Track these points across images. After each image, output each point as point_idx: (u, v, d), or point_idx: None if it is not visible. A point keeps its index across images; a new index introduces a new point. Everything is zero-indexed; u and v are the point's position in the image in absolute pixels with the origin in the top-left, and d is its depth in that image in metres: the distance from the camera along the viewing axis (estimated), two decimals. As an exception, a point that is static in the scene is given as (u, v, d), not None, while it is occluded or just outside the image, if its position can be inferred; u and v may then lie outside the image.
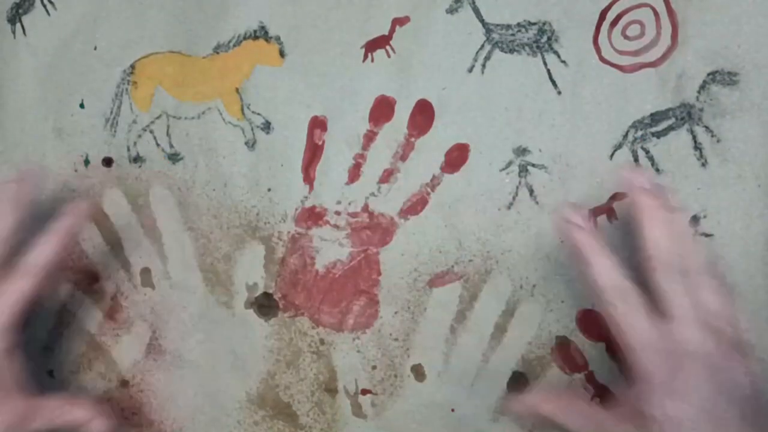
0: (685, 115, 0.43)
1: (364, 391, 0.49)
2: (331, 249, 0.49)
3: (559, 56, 0.44)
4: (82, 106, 0.52)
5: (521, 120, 0.45)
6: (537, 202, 0.45)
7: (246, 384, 0.51)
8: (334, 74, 0.48)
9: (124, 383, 0.52)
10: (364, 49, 0.48)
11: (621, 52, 0.43)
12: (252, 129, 0.49)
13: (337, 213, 0.49)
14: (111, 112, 0.52)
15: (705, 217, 0.43)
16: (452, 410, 0.48)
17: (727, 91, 0.42)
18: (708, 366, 0.35)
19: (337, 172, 0.48)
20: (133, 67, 0.51)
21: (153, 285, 0.52)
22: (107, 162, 0.52)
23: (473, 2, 0.46)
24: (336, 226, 0.49)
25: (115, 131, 0.52)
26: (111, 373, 0.52)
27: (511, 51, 0.45)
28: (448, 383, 0.48)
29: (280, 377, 0.50)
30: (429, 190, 0.47)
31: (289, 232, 0.49)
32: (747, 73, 0.42)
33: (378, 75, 0.47)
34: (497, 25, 0.45)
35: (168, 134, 0.51)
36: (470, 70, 0.46)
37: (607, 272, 0.37)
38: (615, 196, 0.44)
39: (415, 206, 0.47)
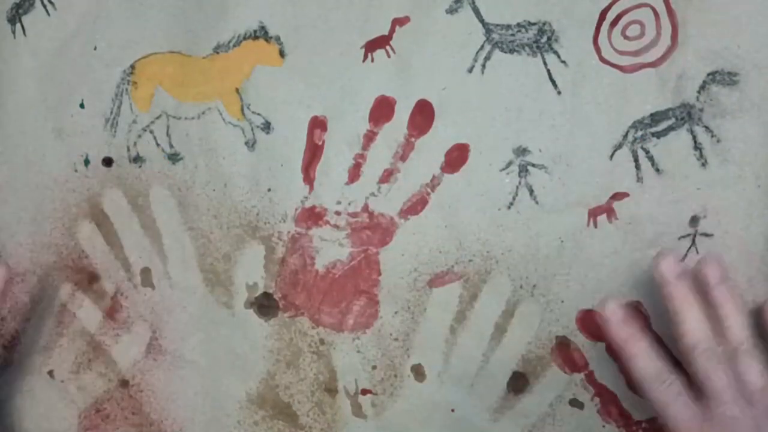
0: (685, 115, 0.43)
1: (364, 391, 0.49)
2: (331, 249, 0.49)
3: (559, 56, 0.44)
4: (82, 106, 0.52)
5: (521, 120, 0.45)
6: (537, 202, 0.45)
7: (246, 384, 0.51)
8: (334, 74, 0.48)
9: (124, 383, 0.52)
10: (364, 49, 0.48)
11: (621, 52, 0.43)
12: (252, 129, 0.49)
13: (337, 213, 0.49)
14: (111, 112, 0.52)
15: (705, 217, 0.43)
16: (452, 410, 0.48)
17: (727, 91, 0.42)
18: None
19: (337, 172, 0.48)
20: (133, 67, 0.51)
21: (153, 285, 0.52)
22: (107, 162, 0.52)
23: (473, 2, 0.46)
24: (336, 226, 0.49)
25: (115, 131, 0.52)
26: (111, 373, 0.52)
27: (511, 51, 0.45)
28: (448, 383, 0.48)
29: (280, 377, 0.50)
30: (429, 190, 0.47)
31: (289, 232, 0.49)
32: (747, 73, 0.42)
33: (378, 75, 0.47)
34: (497, 25, 0.45)
35: (168, 134, 0.51)
36: (470, 70, 0.46)
37: (649, 359, 0.39)
38: (615, 196, 0.44)
39: (415, 206, 0.47)
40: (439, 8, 0.46)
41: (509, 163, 0.46)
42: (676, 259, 0.40)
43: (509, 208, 0.46)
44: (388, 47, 0.47)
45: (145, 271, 0.52)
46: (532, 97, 0.45)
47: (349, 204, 0.48)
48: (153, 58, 0.51)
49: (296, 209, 0.49)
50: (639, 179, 0.44)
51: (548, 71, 0.45)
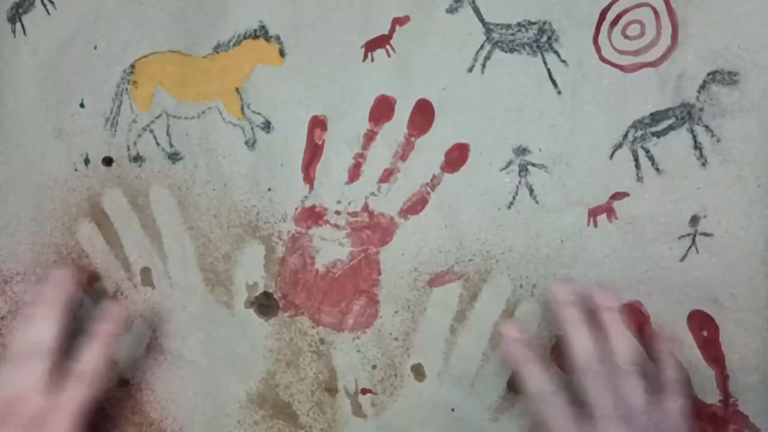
0: (685, 115, 0.43)
1: (364, 391, 0.49)
2: (331, 249, 0.49)
3: (559, 56, 0.44)
4: (82, 106, 0.52)
5: (521, 120, 0.45)
6: (537, 202, 0.45)
7: (246, 384, 0.51)
8: (334, 74, 0.48)
9: (124, 383, 0.52)
10: (364, 49, 0.48)
11: (621, 52, 0.43)
12: (252, 129, 0.49)
13: (337, 213, 0.49)
14: (111, 112, 0.52)
15: (705, 217, 0.43)
16: (452, 410, 0.48)
17: (727, 91, 0.42)
18: None
19: (337, 172, 0.48)
20: (133, 66, 0.51)
21: (153, 285, 0.52)
22: (107, 161, 0.52)
23: (473, 2, 0.46)
24: (336, 226, 0.49)
25: (115, 131, 0.52)
26: (111, 373, 0.52)
27: (511, 51, 0.45)
28: (448, 383, 0.48)
29: (280, 377, 0.50)
30: (429, 189, 0.47)
31: (289, 232, 0.49)
32: (747, 73, 0.42)
33: (378, 75, 0.47)
34: (497, 24, 0.45)
35: (168, 134, 0.51)
36: (470, 70, 0.46)
37: (536, 380, 0.41)
38: (615, 196, 0.44)
39: (415, 206, 0.47)
40: (439, 8, 0.46)
41: (509, 163, 0.46)
42: (571, 285, 0.43)
43: (509, 207, 0.46)
44: (388, 47, 0.47)
45: (145, 271, 0.52)
46: (532, 96, 0.45)
47: (349, 203, 0.48)
48: (153, 57, 0.51)
49: (296, 209, 0.49)
50: (639, 179, 0.44)
51: (548, 71, 0.45)
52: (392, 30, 0.47)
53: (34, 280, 0.53)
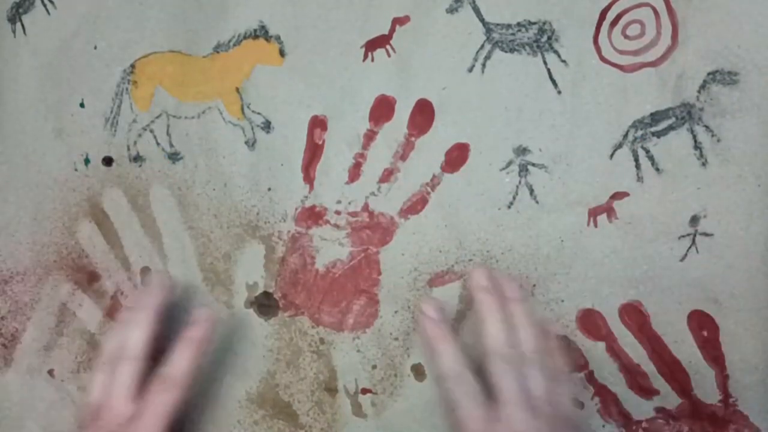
0: (685, 115, 0.43)
1: (364, 391, 0.49)
2: (331, 248, 0.49)
3: (559, 56, 0.44)
4: (82, 105, 0.52)
5: (521, 120, 0.45)
6: (537, 202, 0.45)
7: (246, 383, 0.51)
8: (334, 74, 0.48)
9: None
10: (364, 49, 0.48)
11: (621, 52, 0.43)
12: (252, 129, 0.49)
13: (337, 212, 0.49)
14: (111, 112, 0.52)
15: (705, 217, 0.43)
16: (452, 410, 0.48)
17: (727, 91, 0.42)
18: None
19: (337, 172, 0.48)
20: (133, 66, 0.51)
21: (153, 284, 0.52)
22: (107, 161, 0.52)
23: (473, 2, 0.46)
24: (336, 226, 0.49)
25: (115, 131, 0.52)
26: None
27: (511, 51, 0.45)
28: (448, 383, 0.48)
29: (280, 377, 0.50)
30: (429, 189, 0.47)
31: (289, 232, 0.49)
32: (747, 73, 0.42)
33: (378, 75, 0.47)
34: (497, 24, 0.45)
35: (168, 134, 0.51)
36: (470, 69, 0.46)
37: (448, 359, 0.41)
38: (615, 196, 0.44)
39: (415, 206, 0.47)
40: (439, 8, 0.46)
41: (509, 163, 0.46)
42: (488, 273, 0.43)
43: (509, 207, 0.46)
44: (388, 47, 0.47)
45: (145, 271, 0.52)
46: (532, 96, 0.45)
47: (349, 203, 0.48)
48: (153, 57, 0.51)
49: (296, 209, 0.49)
50: (639, 179, 0.44)
51: (548, 71, 0.45)
52: (392, 30, 0.47)
53: (35, 279, 0.53)
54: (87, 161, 0.52)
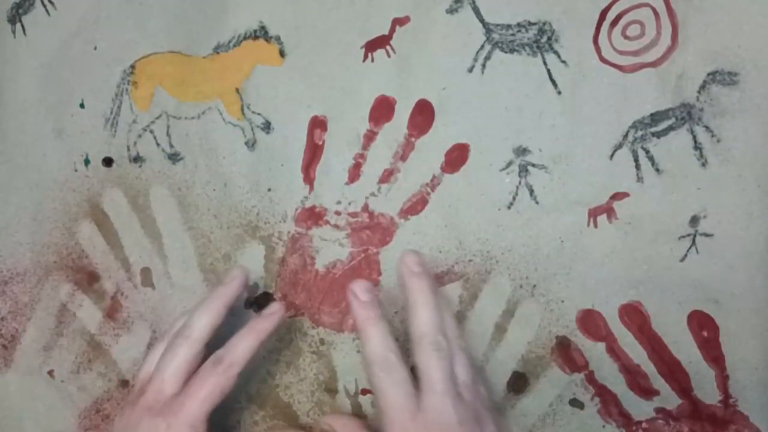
0: (685, 115, 0.43)
1: (364, 391, 0.49)
2: (331, 249, 0.49)
3: (559, 56, 0.45)
4: (82, 106, 0.52)
5: (521, 120, 0.45)
6: (537, 202, 0.45)
7: (246, 384, 0.50)
8: (334, 74, 0.48)
9: (124, 383, 0.52)
10: (364, 49, 0.48)
11: (621, 52, 0.44)
12: (252, 129, 0.49)
13: (337, 213, 0.49)
14: (111, 112, 0.52)
15: (705, 217, 0.43)
16: (452, 410, 0.48)
17: (727, 91, 0.42)
18: None
19: (337, 172, 0.48)
20: (133, 67, 0.51)
21: (153, 285, 0.52)
22: (107, 162, 0.52)
23: (473, 2, 0.46)
24: (336, 226, 0.49)
25: (115, 131, 0.52)
26: (111, 373, 0.52)
27: (511, 51, 0.45)
28: (448, 383, 0.48)
29: (280, 377, 0.50)
30: (429, 190, 0.47)
31: (289, 232, 0.49)
32: (747, 73, 0.42)
33: (378, 75, 0.47)
34: (497, 25, 0.45)
35: (168, 134, 0.51)
36: (470, 70, 0.46)
37: (376, 344, 0.40)
38: (615, 196, 0.44)
39: (415, 206, 0.47)
40: (439, 8, 0.46)
41: (509, 163, 0.46)
42: (420, 257, 0.43)
43: (509, 208, 0.46)
44: (388, 47, 0.47)
45: (145, 271, 0.52)
46: (532, 97, 0.45)
47: (349, 204, 0.48)
48: (153, 57, 0.51)
49: (296, 209, 0.49)
50: (639, 179, 0.44)
51: (548, 71, 0.45)
52: (392, 30, 0.47)
53: (35, 280, 0.53)
54: (87, 162, 0.52)
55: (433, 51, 0.46)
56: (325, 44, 0.48)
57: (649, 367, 0.44)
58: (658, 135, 0.43)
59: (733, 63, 0.42)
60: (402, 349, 0.48)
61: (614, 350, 0.45)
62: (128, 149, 0.52)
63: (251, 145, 0.50)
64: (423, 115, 0.47)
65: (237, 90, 0.50)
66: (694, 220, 0.43)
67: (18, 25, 0.53)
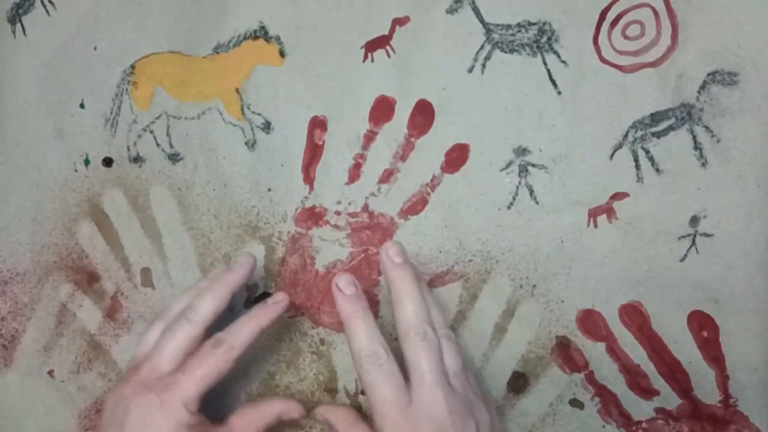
0: (685, 115, 0.43)
1: (364, 392, 0.49)
2: (331, 249, 0.49)
3: (559, 56, 0.45)
4: (82, 106, 0.52)
5: (521, 120, 0.45)
6: (537, 202, 0.45)
7: (246, 384, 0.51)
8: (334, 74, 0.48)
9: (124, 383, 0.52)
10: (364, 49, 0.48)
11: (621, 52, 0.44)
12: (252, 129, 0.49)
13: (337, 213, 0.49)
14: (111, 112, 0.52)
15: (705, 217, 0.43)
16: (452, 410, 0.48)
17: (727, 91, 0.42)
18: (449, 424, 0.37)
19: (337, 172, 0.48)
20: (133, 67, 0.51)
21: (153, 285, 0.52)
22: (107, 162, 0.52)
23: (473, 2, 0.46)
24: (336, 226, 0.49)
25: (115, 131, 0.52)
26: (111, 373, 0.52)
27: (511, 51, 0.45)
28: (448, 383, 0.48)
29: (280, 377, 0.50)
30: (429, 190, 0.47)
31: (289, 232, 0.49)
32: (747, 73, 0.42)
33: (378, 75, 0.47)
34: (497, 25, 0.45)
35: (168, 134, 0.51)
36: (470, 70, 0.46)
37: (364, 337, 0.40)
38: (615, 196, 0.44)
39: (415, 206, 0.47)
40: (439, 8, 0.46)
41: (509, 163, 0.46)
42: (402, 248, 0.42)
43: (509, 208, 0.46)
44: (388, 47, 0.47)
45: (145, 271, 0.52)
46: (532, 97, 0.45)
47: (349, 204, 0.48)
48: (153, 58, 0.51)
49: (296, 209, 0.49)
50: (639, 179, 0.44)
51: (548, 71, 0.45)
52: (392, 30, 0.47)
53: (35, 280, 0.53)
54: (87, 162, 0.52)
55: (433, 51, 0.46)
56: (325, 44, 0.48)
57: (649, 367, 0.44)
58: (658, 135, 0.43)
59: (733, 63, 0.42)
60: (400, 348, 0.48)
61: (614, 350, 0.45)
62: (128, 149, 0.52)
63: (251, 145, 0.50)
64: (423, 115, 0.47)
65: (237, 90, 0.50)
66: (694, 220, 0.43)
67: (18, 25, 0.53)
